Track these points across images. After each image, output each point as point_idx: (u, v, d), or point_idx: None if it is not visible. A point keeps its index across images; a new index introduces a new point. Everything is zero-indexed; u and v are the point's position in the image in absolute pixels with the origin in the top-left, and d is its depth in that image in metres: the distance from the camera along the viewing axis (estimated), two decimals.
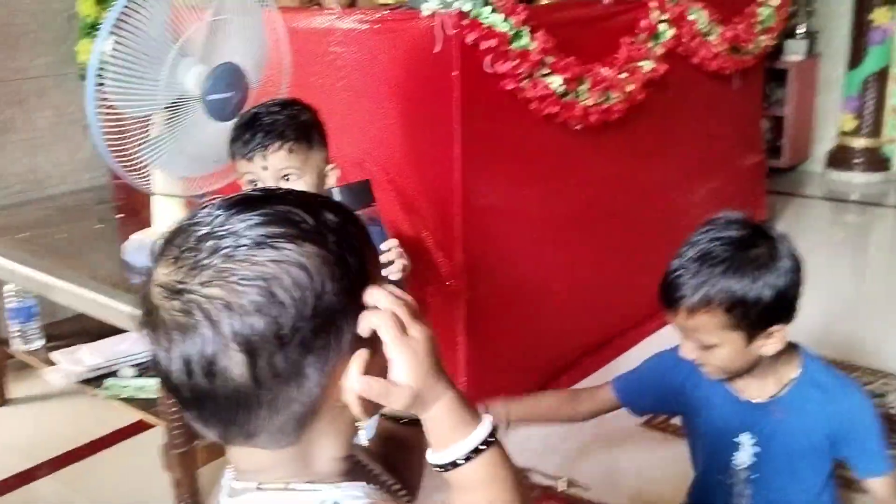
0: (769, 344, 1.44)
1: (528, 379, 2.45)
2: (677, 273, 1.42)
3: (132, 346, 2.56)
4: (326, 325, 0.66)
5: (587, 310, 2.72)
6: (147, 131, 2.02)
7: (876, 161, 5.04)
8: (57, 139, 3.06)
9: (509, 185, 2.43)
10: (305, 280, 0.65)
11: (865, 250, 4.32)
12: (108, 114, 1.95)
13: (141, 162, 2.02)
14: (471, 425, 0.74)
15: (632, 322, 2.84)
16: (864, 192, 4.90)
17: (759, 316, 1.40)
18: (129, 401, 2.33)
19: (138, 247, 2.17)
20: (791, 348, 1.54)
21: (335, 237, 0.67)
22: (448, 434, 0.74)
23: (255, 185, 1.58)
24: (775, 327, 1.42)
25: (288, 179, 1.59)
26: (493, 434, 0.75)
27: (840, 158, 5.10)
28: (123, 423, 2.54)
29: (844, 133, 5.06)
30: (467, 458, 0.74)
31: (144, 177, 2.07)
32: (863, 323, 3.20)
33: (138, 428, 2.51)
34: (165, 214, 2.20)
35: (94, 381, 2.44)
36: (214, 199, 0.70)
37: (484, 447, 0.74)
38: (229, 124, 2.03)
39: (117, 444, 2.50)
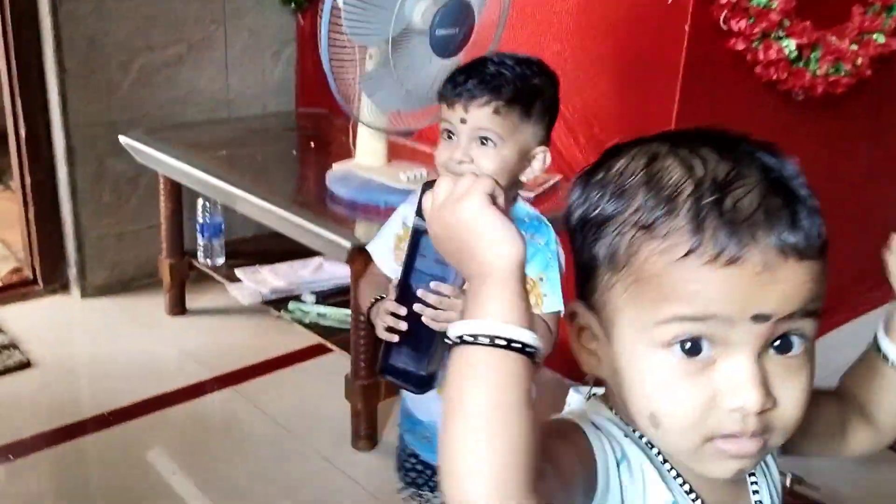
0: None
1: None
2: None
3: (313, 272, 2.61)
4: None
5: None
6: (363, 61, 2.00)
7: None
8: (249, 61, 3.10)
9: None
10: None
11: None
12: (330, 40, 1.94)
13: (357, 91, 2.00)
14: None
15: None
16: None
17: None
18: (310, 326, 2.36)
19: (341, 177, 2.17)
20: None
21: None
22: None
23: (449, 136, 1.35)
24: None
25: (485, 144, 1.32)
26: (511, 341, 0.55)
27: None
28: (297, 345, 2.60)
29: None
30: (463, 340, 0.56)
31: (356, 106, 2.06)
32: None
33: (312, 352, 2.56)
34: (369, 147, 2.19)
35: (275, 302, 2.50)
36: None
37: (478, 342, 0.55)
38: (450, 61, 2.01)
39: (293, 366, 2.55)
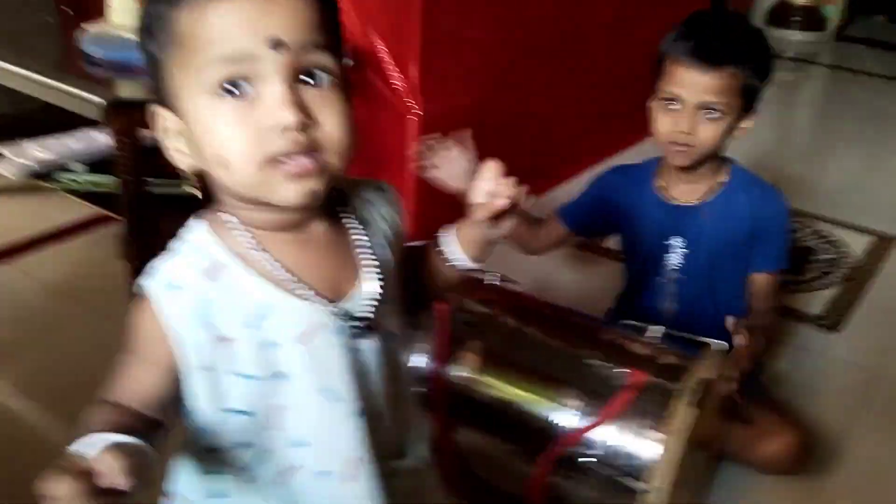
0: (745, 125, 1.60)
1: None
2: (719, 29, 1.56)
3: (81, 143, 2.57)
4: None
5: (538, 139, 2.81)
6: None
7: (814, 20, 5.16)
8: None
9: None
10: None
11: (794, 106, 4.49)
12: None
13: None
14: None
15: (577, 154, 2.96)
16: (799, 49, 5.04)
17: (759, 89, 1.57)
18: (84, 195, 2.35)
19: (94, 37, 2.13)
20: (722, 158, 1.69)
21: None
22: None
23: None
24: (755, 108, 1.59)
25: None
26: None
27: (780, 15, 5.20)
28: (77, 217, 2.56)
29: None
30: None
31: None
32: (785, 171, 3.39)
33: (91, 224, 2.54)
34: (120, 5, 2.16)
35: (45, 176, 2.45)
36: None
37: None
38: None
39: (75, 236, 2.52)
